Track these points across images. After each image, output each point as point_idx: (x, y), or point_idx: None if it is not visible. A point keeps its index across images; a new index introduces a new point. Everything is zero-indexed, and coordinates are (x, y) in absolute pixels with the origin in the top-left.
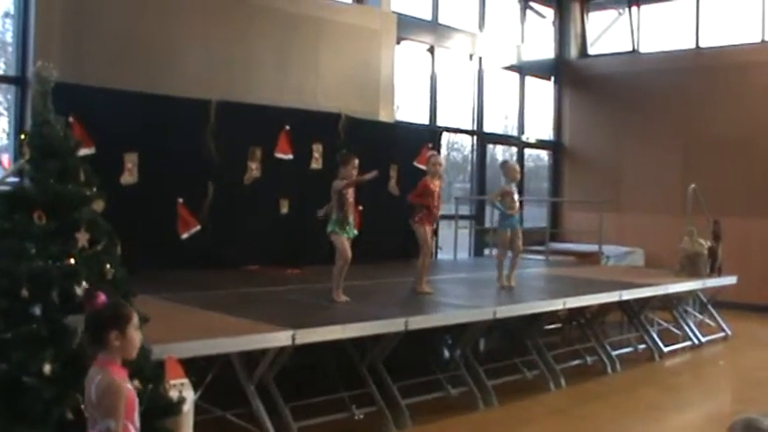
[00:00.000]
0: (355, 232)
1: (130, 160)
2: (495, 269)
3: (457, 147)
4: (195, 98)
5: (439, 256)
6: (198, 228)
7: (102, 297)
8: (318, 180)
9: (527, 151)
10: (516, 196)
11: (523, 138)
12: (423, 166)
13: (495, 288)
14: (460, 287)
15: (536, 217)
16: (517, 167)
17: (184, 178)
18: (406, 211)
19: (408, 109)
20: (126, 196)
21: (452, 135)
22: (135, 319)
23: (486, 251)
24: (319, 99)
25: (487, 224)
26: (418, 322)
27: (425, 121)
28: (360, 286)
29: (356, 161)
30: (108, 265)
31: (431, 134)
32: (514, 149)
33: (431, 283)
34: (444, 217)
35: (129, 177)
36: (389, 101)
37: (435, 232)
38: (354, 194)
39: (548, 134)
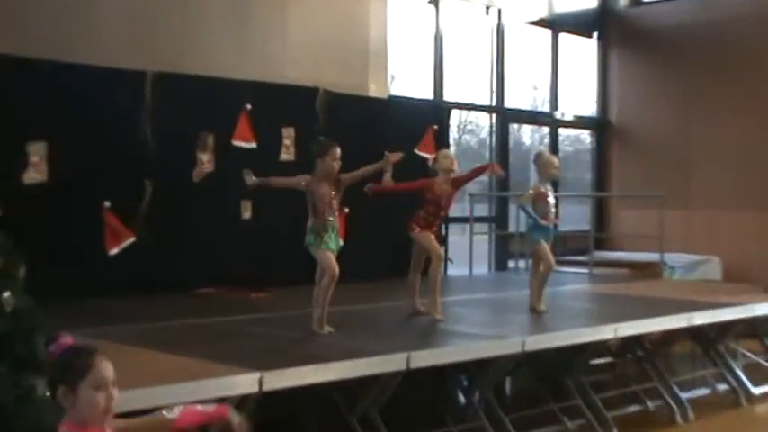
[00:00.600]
0: (340, 243)
1: (36, 152)
2: (528, 288)
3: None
4: (125, 69)
5: (449, 270)
6: (131, 240)
7: (65, 340)
8: (290, 175)
9: (563, 132)
10: (552, 199)
11: (557, 114)
12: (427, 155)
13: (525, 312)
14: (478, 311)
15: (575, 217)
16: (555, 162)
17: (112, 175)
18: (404, 214)
19: (407, 80)
20: (31, 199)
21: (465, 113)
22: (96, 374)
23: (511, 263)
24: (288, 70)
25: (512, 228)
26: (424, 358)
27: (429, 95)
28: (347, 312)
29: (338, 151)
30: (6, 293)
31: (436, 112)
32: (546, 130)
33: (440, 306)
34: (455, 220)
35: (34, 174)
36: (381, 70)
37: (442, 240)
38: (338, 194)
39: (590, 109)
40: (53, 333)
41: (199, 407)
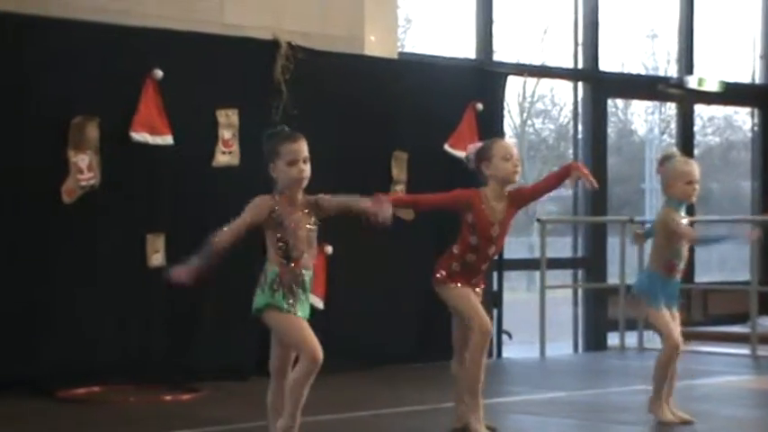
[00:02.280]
0: (314, 304)
1: None
2: (652, 383)
3: (542, 108)
4: None
5: (507, 350)
6: None
7: None
8: (230, 187)
9: (701, 110)
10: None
11: (690, 83)
12: (463, 154)
13: (641, 424)
14: (558, 422)
15: (725, 260)
16: (693, 171)
17: None
18: (425, 253)
19: (431, 29)
20: None
21: (530, 81)
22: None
23: (613, 338)
24: (228, 10)
25: (612, 278)
26: None
27: (470, 53)
28: (329, 425)
29: (294, 147)
30: None
31: (481, 81)
32: (671, 109)
33: (490, 414)
34: (515, 263)
35: None
36: (387, 11)
37: (493, 298)
38: (314, 222)
39: (748, 73)
40: None
41: None
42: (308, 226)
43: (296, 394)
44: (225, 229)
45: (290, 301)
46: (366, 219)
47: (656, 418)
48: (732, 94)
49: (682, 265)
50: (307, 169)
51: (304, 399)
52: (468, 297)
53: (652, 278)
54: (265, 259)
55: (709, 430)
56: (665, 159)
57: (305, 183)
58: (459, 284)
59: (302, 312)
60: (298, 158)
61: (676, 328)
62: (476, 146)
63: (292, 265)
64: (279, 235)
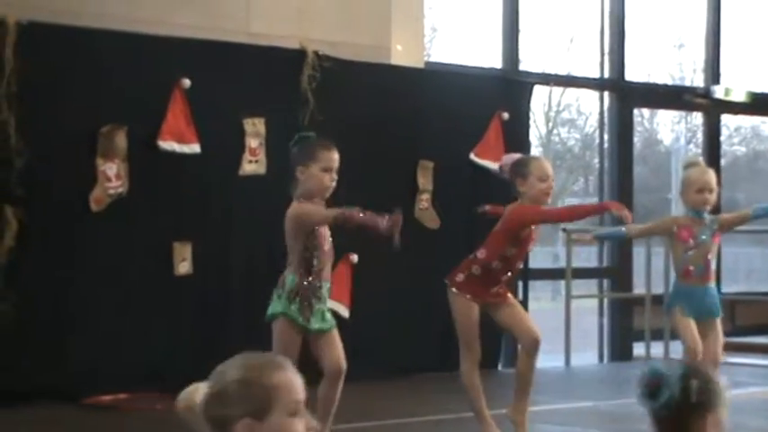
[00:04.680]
0: (330, 317)
1: None
2: None
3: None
4: None
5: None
6: None
7: None
8: (257, 196)
9: (727, 120)
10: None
11: (717, 92)
12: (491, 164)
13: None
14: None
15: (752, 268)
16: (707, 180)
17: None
18: (451, 261)
19: (458, 39)
20: None
21: (556, 91)
22: (323, 160)
23: (639, 348)
24: (254, 21)
25: (638, 288)
26: None
27: (496, 62)
28: None
29: (332, 156)
30: None
31: (508, 91)
32: (697, 118)
33: (522, 420)
34: (538, 274)
35: None
36: (413, 22)
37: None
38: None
39: None
40: None
41: None
42: (329, 239)
43: (326, 406)
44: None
45: (306, 314)
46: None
47: None
48: (759, 104)
49: (700, 271)
50: (335, 180)
51: (333, 407)
52: (470, 318)
53: (675, 287)
54: (287, 264)
55: None
56: (686, 166)
57: (329, 193)
58: (469, 297)
59: (317, 324)
60: (332, 167)
61: (714, 342)
62: (512, 157)
63: (312, 276)
64: (307, 245)
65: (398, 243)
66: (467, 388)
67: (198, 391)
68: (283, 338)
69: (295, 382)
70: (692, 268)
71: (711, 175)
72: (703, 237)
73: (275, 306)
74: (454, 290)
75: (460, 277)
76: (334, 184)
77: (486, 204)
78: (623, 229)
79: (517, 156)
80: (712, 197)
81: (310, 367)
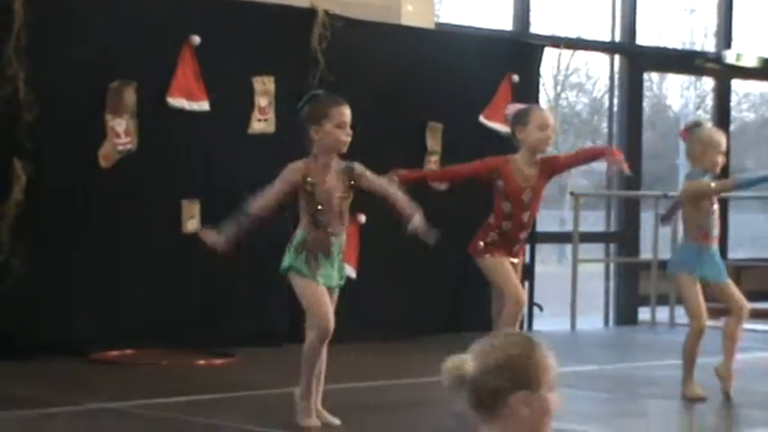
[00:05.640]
0: (345, 274)
1: None
2: (682, 360)
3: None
4: None
5: (537, 322)
6: None
7: None
8: (265, 154)
9: (736, 86)
10: (716, 207)
11: (728, 58)
12: (500, 127)
13: (672, 398)
14: (589, 395)
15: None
16: (720, 141)
17: None
18: (458, 222)
19: (467, 0)
20: None
21: (565, 54)
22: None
23: (644, 313)
24: None
25: (645, 253)
26: None
27: (506, 24)
28: (365, 392)
29: (344, 111)
30: None
31: (518, 53)
32: (707, 83)
33: None
34: (547, 237)
35: None
36: None
37: (527, 271)
38: (347, 189)
39: None
40: None
41: None
42: (339, 194)
43: (308, 362)
44: (258, 198)
45: (311, 266)
46: (404, 226)
47: (688, 394)
48: None
49: (715, 232)
50: (350, 135)
51: (321, 365)
52: (501, 268)
53: (686, 250)
54: (299, 222)
55: (742, 405)
56: (692, 127)
57: (345, 148)
58: (493, 255)
59: (325, 279)
60: (345, 122)
61: (736, 296)
62: (515, 107)
63: (320, 231)
64: (309, 200)
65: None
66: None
67: (466, 363)
68: (299, 287)
69: (552, 359)
70: (708, 229)
71: (723, 135)
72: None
73: (286, 260)
74: (483, 255)
75: (481, 245)
76: (349, 138)
77: None
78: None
79: (520, 105)
80: (721, 159)
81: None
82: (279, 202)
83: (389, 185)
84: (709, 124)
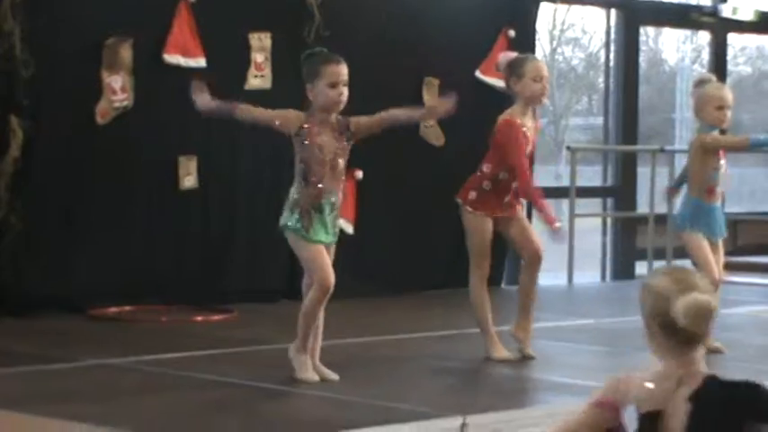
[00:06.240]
0: (341, 229)
1: None
2: None
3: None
4: None
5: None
6: None
7: None
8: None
9: (732, 40)
10: (722, 162)
11: (724, 11)
12: (496, 82)
13: None
14: (585, 348)
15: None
16: (727, 96)
17: None
18: (456, 178)
19: None
20: None
21: (562, 8)
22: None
23: (641, 267)
24: None
25: (642, 207)
26: (487, 423)
27: None
28: (356, 348)
29: (337, 69)
30: None
31: (513, 7)
32: (703, 37)
33: (525, 337)
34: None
35: None
36: None
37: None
38: (346, 150)
39: None
40: None
41: None
42: (335, 150)
43: (307, 319)
44: (253, 107)
45: (305, 223)
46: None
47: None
48: (767, 23)
49: (720, 189)
50: (345, 93)
51: (319, 320)
52: (483, 234)
53: (693, 205)
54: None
55: (738, 358)
56: (699, 83)
57: (341, 107)
58: (482, 213)
59: (320, 236)
60: (339, 81)
61: (719, 261)
62: (508, 56)
63: (310, 187)
64: (300, 155)
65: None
66: (474, 304)
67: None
68: (297, 246)
69: None
70: (714, 184)
71: (729, 91)
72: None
73: (282, 219)
74: (468, 208)
75: (473, 195)
76: (343, 98)
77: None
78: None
79: (513, 54)
80: (729, 114)
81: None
82: (259, 123)
83: (388, 114)
84: (713, 79)
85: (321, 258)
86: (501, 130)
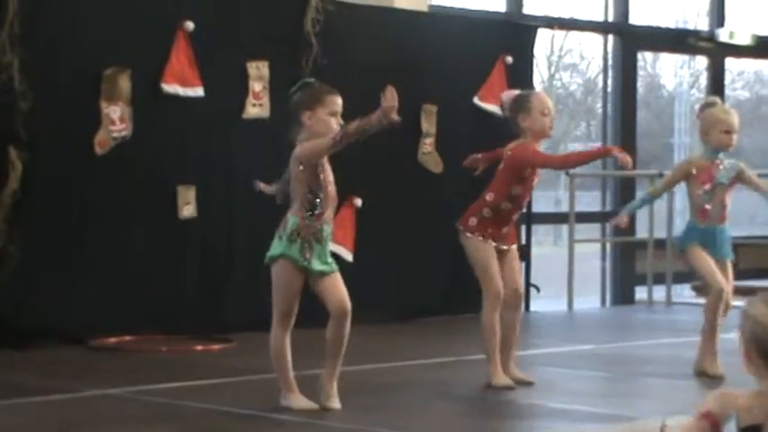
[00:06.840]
0: (328, 262)
1: None
2: (700, 336)
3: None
4: None
5: (533, 302)
6: None
7: None
8: (260, 139)
9: (730, 64)
10: (708, 186)
11: (721, 36)
12: (494, 108)
13: (672, 378)
14: (585, 374)
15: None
16: (733, 119)
17: None
18: (454, 205)
19: None
20: None
21: (560, 34)
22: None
23: (641, 293)
24: None
25: (641, 232)
26: None
27: (499, 6)
28: (357, 375)
29: (338, 100)
30: None
31: (511, 34)
32: (701, 62)
33: (519, 367)
34: (543, 218)
35: None
36: None
37: (523, 252)
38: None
39: None
40: None
41: None
42: (333, 182)
43: (339, 344)
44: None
45: (307, 255)
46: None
47: (700, 370)
48: (764, 47)
49: (717, 211)
50: (341, 124)
51: (341, 349)
52: (487, 257)
53: (688, 227)
54: (290, 207)
55: (738, 384)
56: (705, 106)
57: None
58: (482, 238)
59: (319, 266)
60: (338, 111)
61: (729, 284)
62: (511, 94)
63: (315, 218)
64: (311, 186)
65: (398, 118)
66: (484, 328)
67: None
68: (283, 277)
69: None
70: (708, 207)
71: (736, 115)
72: (722, 180)
73: (275, 248)
74: (468, 234)
75: (473, 221)
76: (338, 126)
77: (479, 154)
78: (649, 192)
79: (516, 92)
80: (736, 138)
81: (317, 310)
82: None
83: (342, 126)
84: (719, 103)
85: (333, 287)
86: (516, 152)
